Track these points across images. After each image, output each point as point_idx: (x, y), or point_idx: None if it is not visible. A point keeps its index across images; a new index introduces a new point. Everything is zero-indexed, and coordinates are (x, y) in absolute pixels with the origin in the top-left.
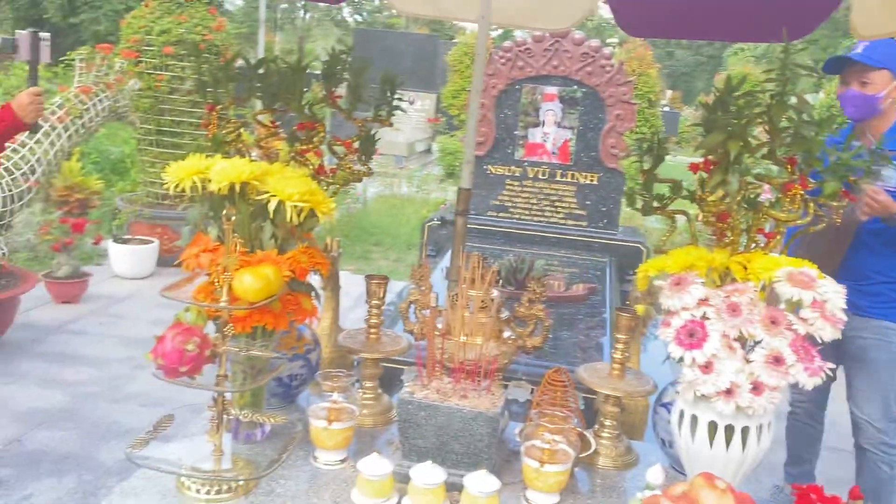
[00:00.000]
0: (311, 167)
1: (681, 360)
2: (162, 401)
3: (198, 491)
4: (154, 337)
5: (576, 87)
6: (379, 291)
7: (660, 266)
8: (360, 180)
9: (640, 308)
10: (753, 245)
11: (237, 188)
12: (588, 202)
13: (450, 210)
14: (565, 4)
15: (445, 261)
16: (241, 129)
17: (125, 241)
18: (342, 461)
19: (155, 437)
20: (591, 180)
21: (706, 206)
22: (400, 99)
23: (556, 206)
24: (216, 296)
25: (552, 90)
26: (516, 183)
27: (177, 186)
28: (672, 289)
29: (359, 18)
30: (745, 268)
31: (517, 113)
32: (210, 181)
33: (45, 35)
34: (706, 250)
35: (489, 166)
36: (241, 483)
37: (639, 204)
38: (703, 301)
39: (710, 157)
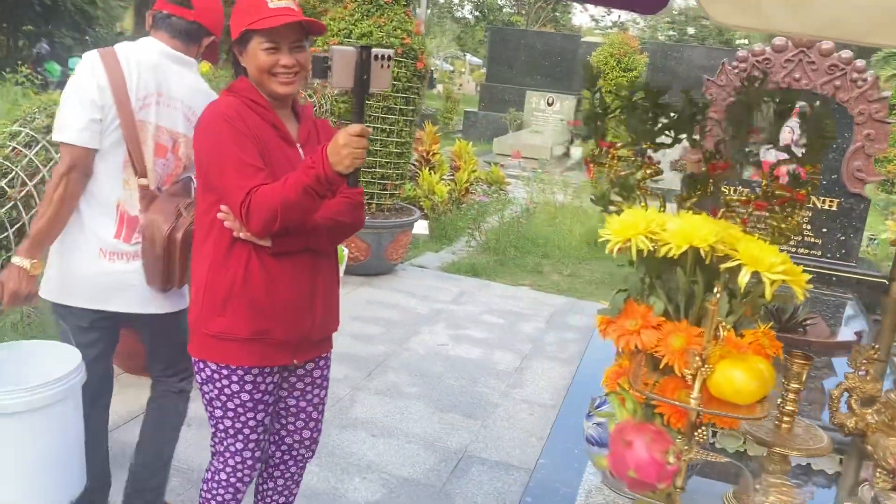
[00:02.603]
0: (745, 221)
1: None
2: (389, 431)
3: None
4: (625, 448)
5: (820, 102)
6: (802, 373)
7: None
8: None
9: None
10: None
11: (695, 253)
12: (825, 230)
13: None
14: None
15: None
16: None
17: None
18: None
19: None
20: (830, 206)
21: None
22: None
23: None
24: (648, 379)
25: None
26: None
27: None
28: None
29: (479, 15)
30: None
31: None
32: (660, 241)
33: (383, 52)
34: None
35: None
36: None
37: None
38: None
39: None
